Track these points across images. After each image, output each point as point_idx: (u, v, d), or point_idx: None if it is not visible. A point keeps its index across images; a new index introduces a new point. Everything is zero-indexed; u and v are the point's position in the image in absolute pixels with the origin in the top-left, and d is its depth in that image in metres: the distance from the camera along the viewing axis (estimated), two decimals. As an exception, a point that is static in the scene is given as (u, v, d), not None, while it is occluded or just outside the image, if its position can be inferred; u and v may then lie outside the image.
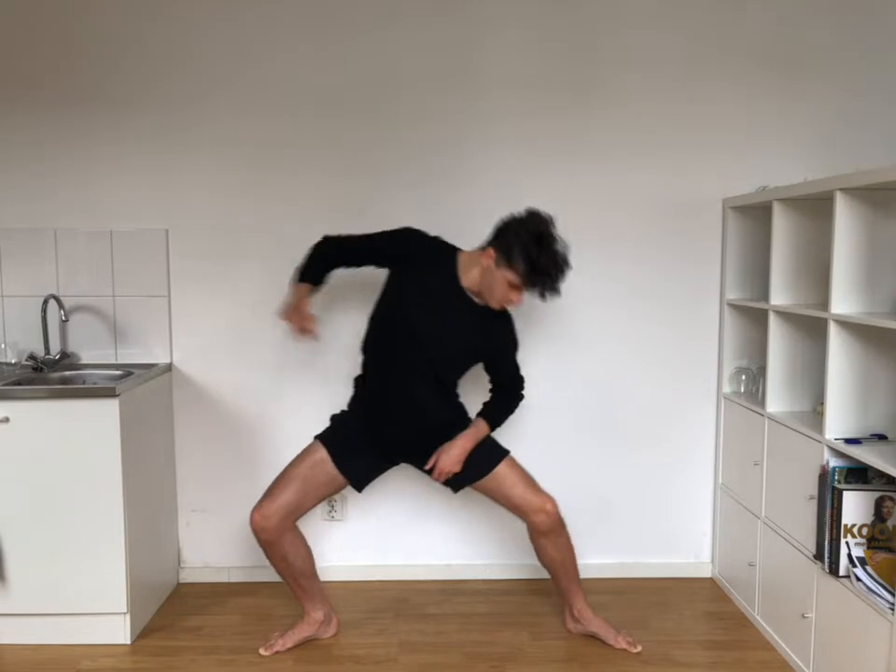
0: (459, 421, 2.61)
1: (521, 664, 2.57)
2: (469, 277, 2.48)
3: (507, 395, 2.66)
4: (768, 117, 3.03)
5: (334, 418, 2.67)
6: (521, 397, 2.67)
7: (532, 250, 2.33)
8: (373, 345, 2.56)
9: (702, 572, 3.22)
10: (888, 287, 2.28)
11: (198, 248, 3.04)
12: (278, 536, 2.51)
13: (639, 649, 2.62)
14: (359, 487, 2.65)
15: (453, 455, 2.52)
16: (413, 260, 2.49)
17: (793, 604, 2.51)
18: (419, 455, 2.60)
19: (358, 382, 2.65)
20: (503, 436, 3.07)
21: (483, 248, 2.44)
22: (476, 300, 2.50)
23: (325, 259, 2.58)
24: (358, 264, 2.59)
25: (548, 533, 2.57)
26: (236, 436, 3.12)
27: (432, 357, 2.48)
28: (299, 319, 2.52)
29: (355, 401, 2.66)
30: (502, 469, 2.57)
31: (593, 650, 2.65)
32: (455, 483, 2.62)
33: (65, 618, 2.64)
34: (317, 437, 2.63)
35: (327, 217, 3.01)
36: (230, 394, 3.10)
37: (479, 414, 2.62)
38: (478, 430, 2.57)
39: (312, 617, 2.67)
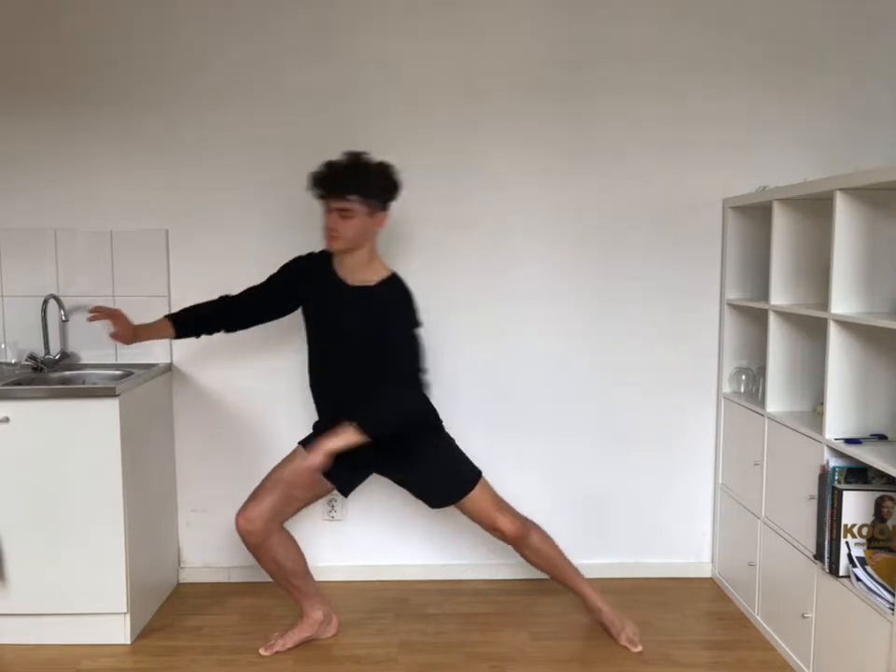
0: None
1: (521, 664, 2.57)
2: (343, 266, 2.47)
3: (383, 390, 2.38)
4: (768, 117, 3.03)
5: (316, 425, 2.64)
6: (400, 395, 2.38)
7: (388, 181, 2.42)
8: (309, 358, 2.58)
9: (702, 572, 3.22)
10: (888, 286, 2.28)
11: (198, 248, 3.04)
12: (264, 538, 2.51)
13: (639, 649, 2.62)
14: (345, 492, 2.65)
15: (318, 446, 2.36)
16: (304, 279, 2.54)
17: (793, 604, 2.51)
18: (376, 461, 2.56)
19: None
20: (504, 434, 3.09)
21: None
22: (356, 283, 2.45)
23: (201, 309, 2.63)
24: (258, 314, 2.64)
25: (514, 543, 2.63)
26: (236, 436, 3.12)
27: (347, 352, 2.44)
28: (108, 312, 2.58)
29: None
30: (471, 494, 2.56)
31: (593, 650, 2.65)
32: (431, 503, 2.61)
33: (65, 618, 2.64)
34: (300, 442, 2.62)
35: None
36: (230, 394, 3.10)
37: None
38: (341, 432, 2.35)
39: (311, 617, 2.67)
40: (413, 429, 2.48)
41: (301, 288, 2.54)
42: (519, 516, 2.63)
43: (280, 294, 2.59)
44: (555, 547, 2.68)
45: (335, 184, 2.36)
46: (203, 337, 3.03)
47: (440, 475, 2.58)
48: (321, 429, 2.51)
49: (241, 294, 2.64)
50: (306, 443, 2.58)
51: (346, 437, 2.34)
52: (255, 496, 2.55)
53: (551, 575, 2.71)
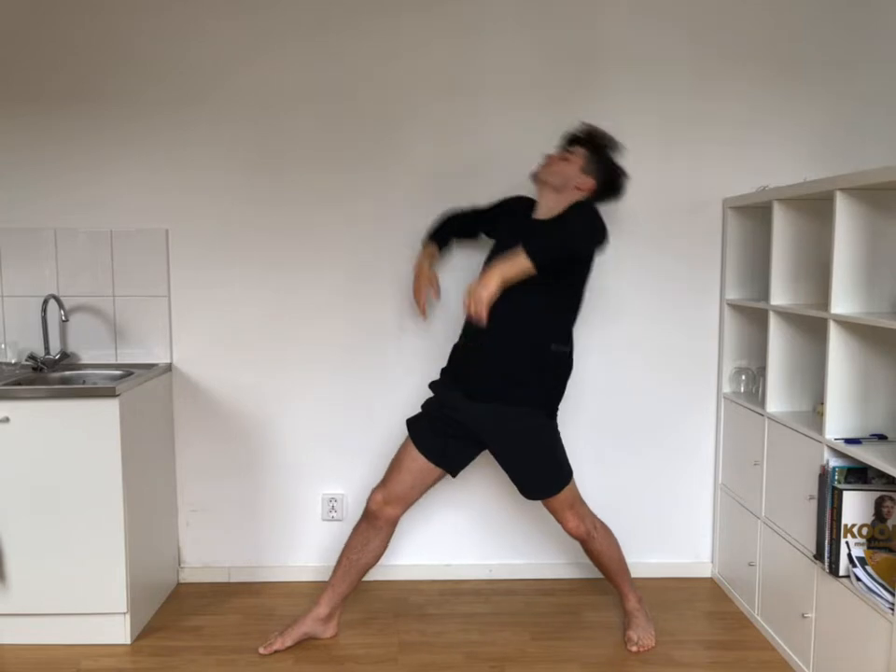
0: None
1: (521, 664, 2.57)
2: (539, 211, 2.59)
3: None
4: (768, 116, 3.03)
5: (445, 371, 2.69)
6: (570, 234, 2.40)
7: (615, 173, 2.62)
8: None
9: (702, 572, 3.22)
10: (888, 286, 2.28)
11: (198, 248, 3.04)
12: (385, 524, 2.61)
13: (633, 649, 2.63)
14: (454, 472, 2.65)
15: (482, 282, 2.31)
16: (505, 213, 2.74)
17: (793, 604, 2.51)
18: (492, 436, 2.57)
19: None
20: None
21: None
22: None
23: (447, 224, 2.81)
24: (474, 230, 2.85)
25: (579, 541, 2.68)
26: (236, 436, 3.12)
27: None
28: (421, 278, 2.71)
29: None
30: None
31: (593, 650, 2.65)
32: (529, 493, 2.61)
33: (65, 618, 2.64)
34: (408, 421, 2.67)
35: (326, 216, 3.02)
36: (230, 394, 3.10)
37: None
38: (511, 259, 2.32)
39: (317, 611, 2.66)
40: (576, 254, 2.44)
41: (502, 220, 2.72)
42: (588, 518, 2.64)
43: (488, 221, 2.80)
44: (616, 552, 2.72)
45: (575, 138, 2.63)
46: (205, 336, 3.06)
47: (543, 466, 2.58)
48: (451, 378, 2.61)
49: (467, 212, 2.83)
50: (413, 433, 2.61)
51: (518, 262, 2.28)
52: (389, 478, 2.61)
53: (603, 574, 2.77)
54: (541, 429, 2.55)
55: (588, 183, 2.54)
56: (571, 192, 2.53)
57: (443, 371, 2.67)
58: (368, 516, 2.61)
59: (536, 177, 2.58)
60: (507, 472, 2.60)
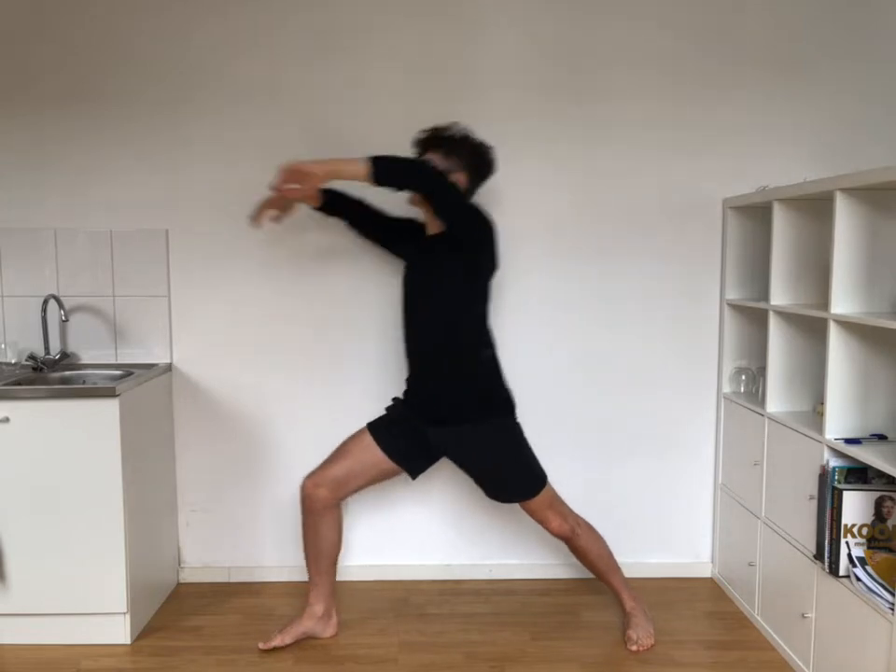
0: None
1: (521, 664, 2.57)
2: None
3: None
4: (768, 117, 3.03)
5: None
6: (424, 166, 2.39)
7: (475, 150, 2.55)
8: None
9: (702, 572, 3.22)
10: (888, 286, 2.28)
11: (198, 248, 3.04)
12: (322, 507, 2.59)
13: (633, 648, 2.62)
14: (413, 475, 2.66)
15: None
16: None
17: (793, 604, 2.51)
18: (450, 445, 2.59)
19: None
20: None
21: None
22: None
23: (349, 197, 2.70)
24: (368, 219, 2.76)
25: (563, 540, 2.68)
26: (236, 436, 3.12)
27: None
28: (280, 200, 2.53)
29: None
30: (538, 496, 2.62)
31: (593, 650, 2.65)
32: (500, 498, 2.65)
33: (65, 618, 2.64)
34: (368, 425, 2.66)
35: (326, 217, 3.02)
36: (230, 394, 3.10)
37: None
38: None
39: (312, 609, 2.67)
40: (421, 184, 2.37)
41: (404, 238, 2.72)
42: (570, 517, 2.66)
43: (387, 226, 2.76)
44: (603, 549, 2.72)
45: (419, 142, 2.57)
46: (204, 336, 3.06)
47: (511, 471, 2.60)
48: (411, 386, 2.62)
49: (374, 208, 2.75)
50: (372, 426, 2.63)
51: (354, 162, 2.26)
52: (324, 464, 2.62)
53: (594, 574, 2.76)
54: (503, 439, 2.56)
55: (460, 178, 2.51)
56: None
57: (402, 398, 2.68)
58: (303, 505, 2.61)
59: (410, 200, 2.55)
60: (478, 483, 2.63)
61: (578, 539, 2.66)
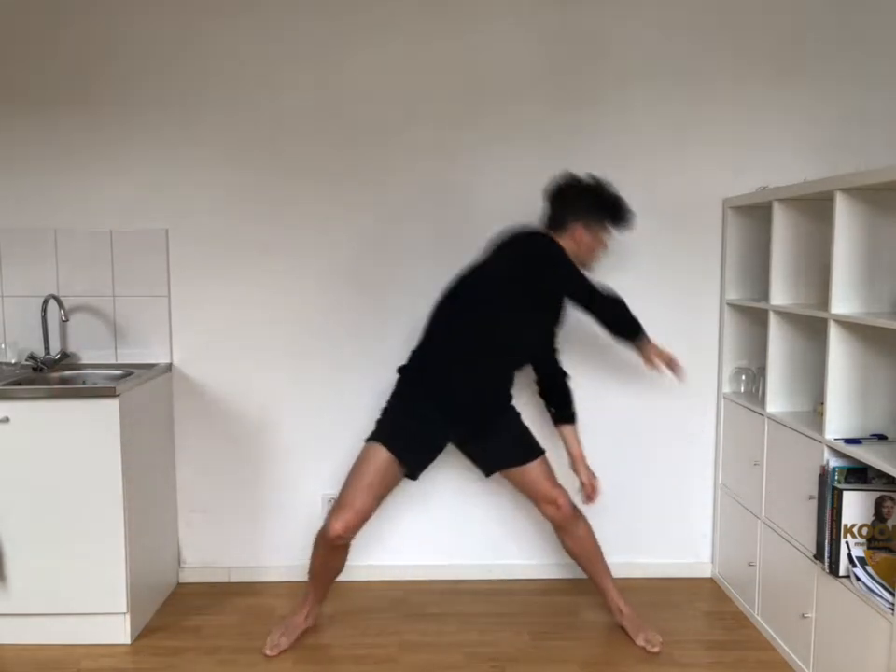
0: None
1: (521, 664, 2.57)
2: None
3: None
4: (768, 117, 3.03)
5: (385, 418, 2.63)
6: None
7: (606, 203, 2.61)
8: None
9: (702, 572, 3.22)
10: (888, 287, 2.28)
11: (198, 248, 3.04)
12: (345, 546, 2.58)
13: (657, 650, 2.62)
14: (414, 475, 2.62)
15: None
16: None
17: (793, 604, 2.51)
18: (458, 433, 2.66)
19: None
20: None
21: (559, 229, 2.60)
22: None
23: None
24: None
25: (562, 526, 2.70)
26: (236, 436, 3.12)
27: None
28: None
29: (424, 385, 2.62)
30: (536, 462, 2.68)
31: (593, 650, 2.65)
32: (490, 467, 2.71)
33: (65, 618, 2.64)
34: (375, 439, 2.56)
35: (326, 217, 3.02)
36: (230, 394, 3.10)
37: (559, 420, 2.83)
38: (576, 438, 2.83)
39: (303, 610, 2.69)
40: None
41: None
42: (570, 498, 2.72)
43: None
44: (597, 543, 2.75)
45: (560, 200, 2.65)
46: (204, 336, 3.06)
47: (514, 439, 2.71)
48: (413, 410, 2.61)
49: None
50: (391, 445, 2.52)
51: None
52: (351, 503, 2.48)
53: (584, 569, 2.77)
54: (516, 413, 2.76)
55: (578, 232, 2.60)
56: (579, 241, 2.62)
57: (425, 395, 2.60)
58: (324, 541, 2.52)
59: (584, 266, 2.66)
60: (501, 461, 2.69)
61: (578, 521, 2.69)
